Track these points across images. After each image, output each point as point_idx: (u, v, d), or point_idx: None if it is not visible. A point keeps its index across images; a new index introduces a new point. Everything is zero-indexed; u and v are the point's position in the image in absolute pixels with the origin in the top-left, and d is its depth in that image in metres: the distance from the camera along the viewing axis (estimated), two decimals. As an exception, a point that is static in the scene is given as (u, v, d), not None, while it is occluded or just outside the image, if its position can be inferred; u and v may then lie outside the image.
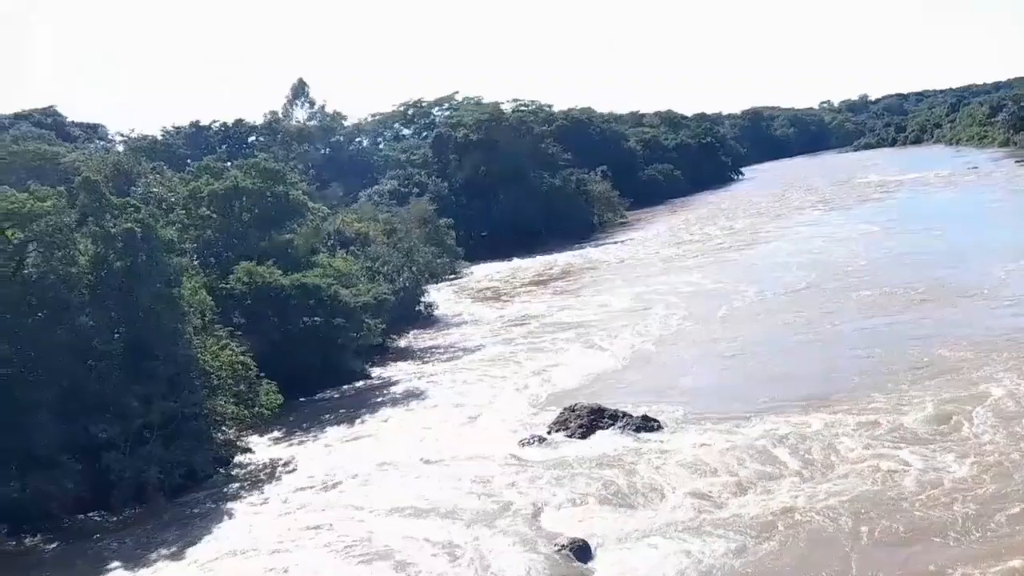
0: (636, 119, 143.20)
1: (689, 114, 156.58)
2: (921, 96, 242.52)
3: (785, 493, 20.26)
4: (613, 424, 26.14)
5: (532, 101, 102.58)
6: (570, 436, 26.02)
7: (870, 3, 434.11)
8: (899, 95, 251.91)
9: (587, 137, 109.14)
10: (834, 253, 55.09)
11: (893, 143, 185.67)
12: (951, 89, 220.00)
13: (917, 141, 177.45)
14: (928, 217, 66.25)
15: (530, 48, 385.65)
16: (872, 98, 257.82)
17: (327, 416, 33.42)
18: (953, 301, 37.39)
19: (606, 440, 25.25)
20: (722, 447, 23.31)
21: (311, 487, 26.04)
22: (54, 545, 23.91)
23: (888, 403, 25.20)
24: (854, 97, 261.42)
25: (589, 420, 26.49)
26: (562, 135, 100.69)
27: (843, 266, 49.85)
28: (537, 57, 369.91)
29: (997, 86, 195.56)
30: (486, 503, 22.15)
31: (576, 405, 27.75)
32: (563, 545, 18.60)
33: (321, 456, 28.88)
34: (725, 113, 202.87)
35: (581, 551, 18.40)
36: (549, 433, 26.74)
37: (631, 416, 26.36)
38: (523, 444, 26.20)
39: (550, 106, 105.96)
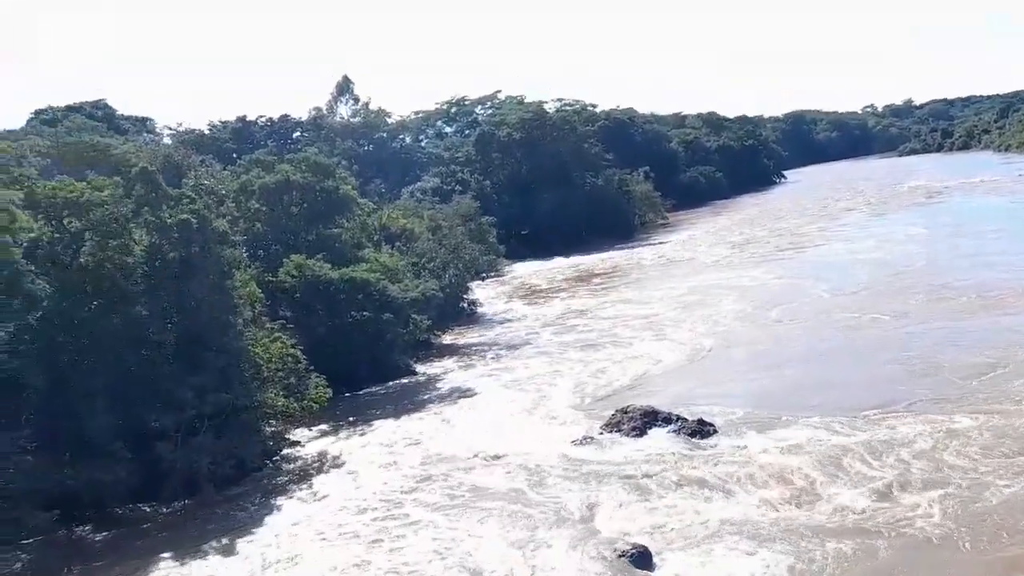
0: (678, 120, 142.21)
1: (731, 116, 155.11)
2: (967, 102, 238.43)
3: (847, 500, 19.64)
4: (667, 426, 25.70)
5: (576, 100, 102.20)
6: (623, 437, 25.58)
7: (916, 8, 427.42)
8: (945, 100, 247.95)
9: (629, 137, 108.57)
10: (888, 256, 54.37)
11: (939, 148, 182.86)
12: (998, 95, 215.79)
13: (964, 147, 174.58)
14: (983, 221, 65.02)
15: (573, 48, 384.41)
16: (917, 103, 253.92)
17: (374, 411, 33.28)
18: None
19: (660, 442, 24.79)
20: (782, 452, 22.77)
21: (360, 482, 25.86)
22: (105, 534, 23.95)
23: (961, 412, 24.45)
24: (898, 102, 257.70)
25: (642, 422, 26.06)
26: (604, 135, 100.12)
27: (901, 268, 49.11)
28: (580, 57, 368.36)
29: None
30: (541, 503, 21.80)
31: (629, 407, 27.32)
32: (623, 552, 18.17)
33: (369, 452, 28.68)
34: (767, 116, 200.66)
35: (642, 558, 17.95)
36: (601, 433, 26.35)
37: (685, 419, 25.88)
38: (576, 444, 25.83)
39: (594, 106, 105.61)
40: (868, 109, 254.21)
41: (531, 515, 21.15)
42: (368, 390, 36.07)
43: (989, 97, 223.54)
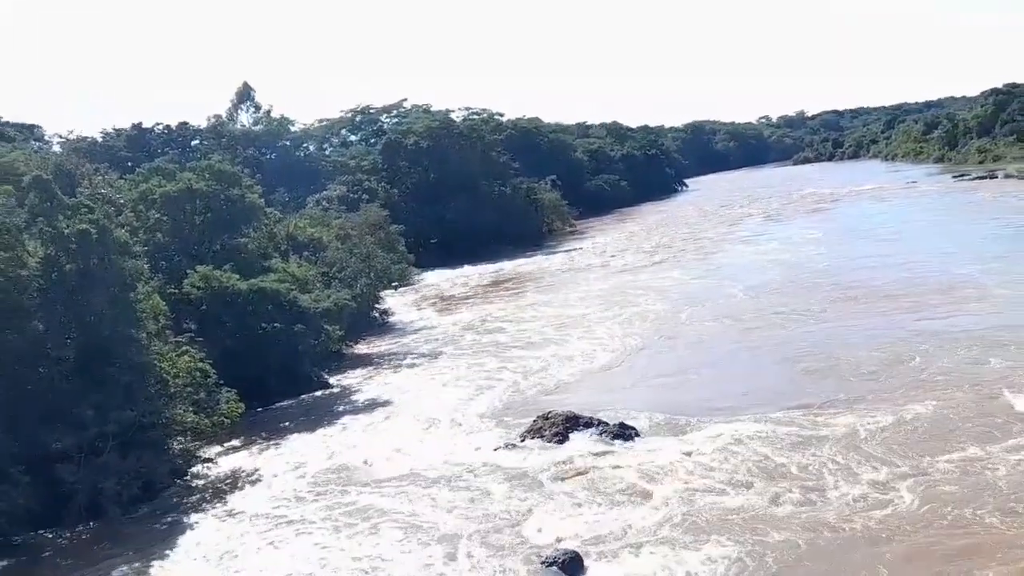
0: (582, 130, 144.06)
1: (634, 126, 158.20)
2: (856, 113, 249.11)
3: (767, 498, 19.90)
4: (589, 431, 25.66)
5: (483, 109, 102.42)
6: (546, 443, 25.44)
7: (806, 21, 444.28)
8: (835, 111, 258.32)
9: (535, 147, 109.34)
10: (793, 258, 56.07)
11: (831, 158, 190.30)
12: (884, 107, 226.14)
13: (854, 156, 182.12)
14: (877, 225, 67.64)
15: (477, 57, 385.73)
16: (809, 114, 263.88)
17: (287, 425, 32.33)
18: (921, 301, 37.88)
19: (583, 447, 24.73)
20: (703, 452, 22.98)
21: (274, 498, 24.97)
22: (3, 564, 22.48)
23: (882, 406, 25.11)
24: (792, 113, 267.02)
25: (564, 427, 25.96)
26: (511, 144, 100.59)
27: (806, 269, 50.65)
28: (484, 66, 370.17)
29: (928, 105, 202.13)
30: (464, 513, 21.43)
31: (550, 413, 27.20)
32: (553, 559, 17.95)
33: (282, 466, 27.73)
34: (668, 126, 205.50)
35: (572, 563, 17.76)
36: (523, 440, 26.14)
37: (607, 424, 25.90)
38: (497, 451, 25.55)
39: (500, 115, 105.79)
40: (763, 120, 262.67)
41: (453, 525, 20.77)
42: (280, 403, 35.05)
43: (875, 109, 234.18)
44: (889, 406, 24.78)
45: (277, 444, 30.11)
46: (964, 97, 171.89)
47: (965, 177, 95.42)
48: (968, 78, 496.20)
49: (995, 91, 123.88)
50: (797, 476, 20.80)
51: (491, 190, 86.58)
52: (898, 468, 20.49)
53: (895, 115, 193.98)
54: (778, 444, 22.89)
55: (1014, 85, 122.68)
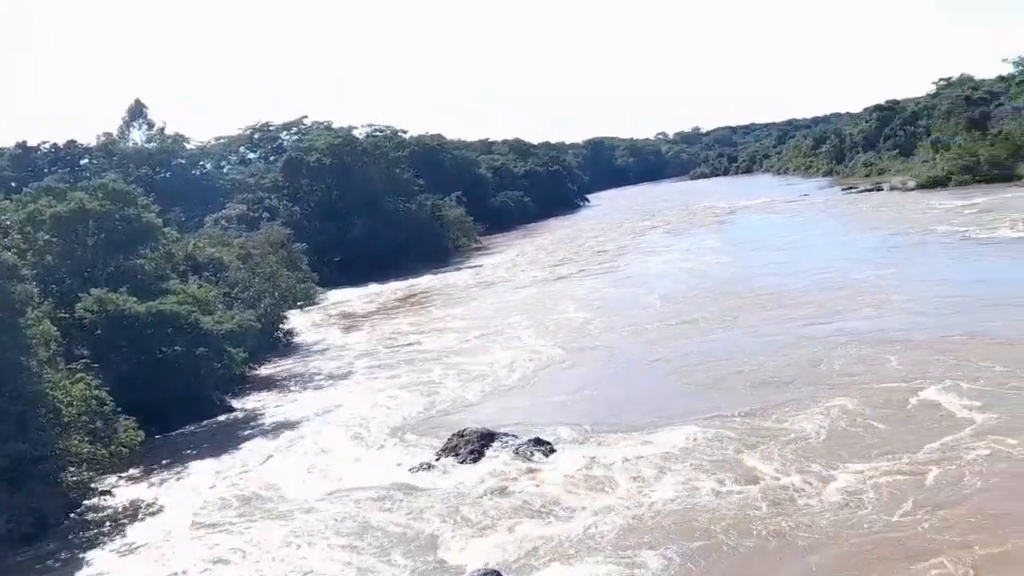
0: (486, 146, 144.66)
1: (536, 142, 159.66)
2: (748, 129, 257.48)
3: (691, 505, 20.03)
4: (505, 447, 25.42)
5: (386, 126, 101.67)
6: (461, 462, 25.10)
7: (699, 39, 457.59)
8: (729, 127, 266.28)
9: (439, 163, 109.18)
10: (700, 267, 57.22)
11: (726, 172, 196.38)
12: (775, 123, 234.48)
13: (748, 170, 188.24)
14: (775, 236, 69.90)
15: (377, 74, 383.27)
16: (704, 130, 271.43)
17: (189, 452, 31.10)
18: (825, 306, 38.96)
19: (500, 464, 24.45)
20: (619, 464, 23.00)
21: (175, 530, 23.87)
22: None
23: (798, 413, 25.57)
24: (687, 129, 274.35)
25: (480, 444, 25.67)
26: (415, 161, 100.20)
27: (713, 278, 51.62)
28: (385, 83, 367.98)
29: (816, 120, 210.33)
30: (379, 537, 20.87)
31: (465, 430, 26.87)
32: (474, 577, 17.67)
33: (185, 495, 26.60)
34: (569, 142, 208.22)
35: (492, 583, 17.51)
36: (438, 459, 25.72)
37: (523, 439, 25.73)
38: (412, 472, 25.07)
39: (404, 132, 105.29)
40: (661, 136, 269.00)
41: (367, 550, 20.21)
42: (182, 430, 33.74)
43: (767, 124, 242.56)
44: (812, 408, 25.20)
45: (178, 472, 28.90)
46: (849, 113, 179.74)
47: (853, 190, 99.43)
48: (852, 95, 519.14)
49: (878, 107, 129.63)
50: (719, 483, 20.96)
51: (396, 207, 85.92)
52: (818, 471, 20.84)
53: (785, 131, 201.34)
54: (699, 453, 23.07)
55: (895, 102, 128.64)
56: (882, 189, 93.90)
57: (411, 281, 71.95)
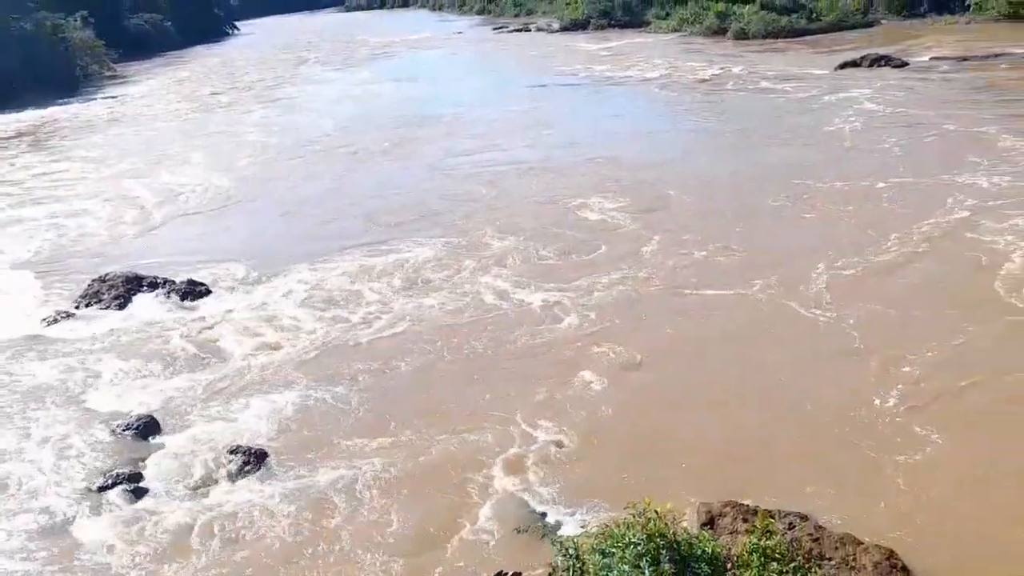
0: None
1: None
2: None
3: (344, 336, 20.29)
4: (154, 292, 23.94)
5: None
6: (106, 308, 23.29)
7: None
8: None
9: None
10: (364, 96, 57.97)
11: (382, 5, 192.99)
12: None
13: (404, 5, 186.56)
14: (434, 71, 71.37)
15: None
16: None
17: None
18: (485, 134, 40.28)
19: (148, 310, 23.00)
20: (277, 302, 22.65)
21: None
22: None
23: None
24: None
25: (125, 289, 23.92)
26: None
27: (379, 106, 53.23)
28: None
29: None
30: (19, 394, 18.99)
31: (107, 275, 24.83)
32: (127, 425, 16.70)
33: None
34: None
35: (148, 427, 16.69)
36: (78, 307, 23.67)
37: (174, 282, 24.35)
38: (48, 323, 22.86)
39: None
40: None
41: (10, 411, 18.35)
42: None
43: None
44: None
45: None
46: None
47: (504, 29, 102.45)
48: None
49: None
50: (383, 311, 21.33)
51: (7, 27, 74.56)
52: (526, 293, 21.79)
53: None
54: (360, 283, 23.26)
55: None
56: (530, 30, 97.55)
57: (35, 113, 64.31)
